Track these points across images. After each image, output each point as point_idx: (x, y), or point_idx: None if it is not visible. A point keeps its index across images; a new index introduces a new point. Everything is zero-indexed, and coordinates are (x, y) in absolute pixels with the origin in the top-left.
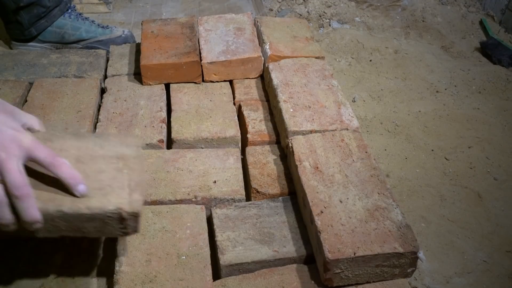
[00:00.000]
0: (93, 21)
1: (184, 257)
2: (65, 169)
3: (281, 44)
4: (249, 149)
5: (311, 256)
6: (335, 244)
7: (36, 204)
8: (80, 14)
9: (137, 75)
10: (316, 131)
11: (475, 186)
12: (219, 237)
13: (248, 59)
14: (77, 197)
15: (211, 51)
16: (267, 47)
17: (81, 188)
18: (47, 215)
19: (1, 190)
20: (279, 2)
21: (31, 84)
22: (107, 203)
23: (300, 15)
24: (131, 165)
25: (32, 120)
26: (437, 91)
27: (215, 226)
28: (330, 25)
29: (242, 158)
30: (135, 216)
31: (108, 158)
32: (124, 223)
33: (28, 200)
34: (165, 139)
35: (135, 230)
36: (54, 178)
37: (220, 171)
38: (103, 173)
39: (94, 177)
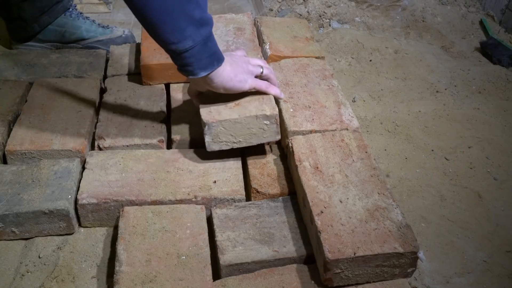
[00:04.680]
0: (93, 21)
1: (184, 257)
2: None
3: (281, 44)
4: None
5: (311, 256)
6: (335, 244)
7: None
8: (80, 13)
9: (137, 75)
10: (316, 131)
11: (475, 186)
12: (219, 237)
13: None
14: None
15: None
16: (267, 47)
17: (282, 95)
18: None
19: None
20: (279, 2)
21: (31, 84)
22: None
23: (300, 15)
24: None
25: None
26: (437, 91)
27: (215, 226)
28: (330, 25)
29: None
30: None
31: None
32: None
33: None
34: (165, 139)
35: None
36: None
37: (220, 171)
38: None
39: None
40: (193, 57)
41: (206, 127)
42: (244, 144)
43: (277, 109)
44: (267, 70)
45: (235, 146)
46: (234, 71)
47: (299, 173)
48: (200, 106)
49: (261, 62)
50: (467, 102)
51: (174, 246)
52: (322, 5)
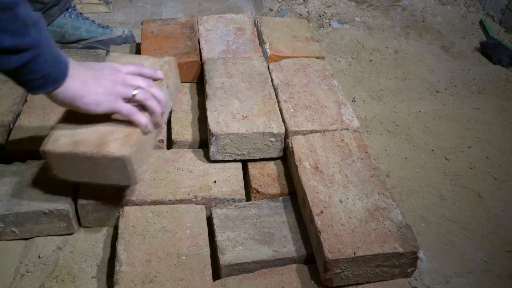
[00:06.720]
0: (93, 21)
1: (184, 257)
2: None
3: (281, 44)
4: None
5: (311, 256)
6: (335, 244)
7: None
8: (80, 13)
9: None
10: (316, 131)
11: (475, 186)
12: (219, 237)
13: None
14: None
15: (212, 51)
16: (267, 47)
17: (149, 128)
18: None
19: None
20: (279, 2)
21: None
22: None
23: (300, 15)
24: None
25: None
26: (437, 91)
27: (215, 226)
28: (330, 25)
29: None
30: None
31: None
32: None
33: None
34: (165, 139)
35: None
36: None
37: (220, 171)
38: None
39: None
40: (22, 76)
41: (214, 138)
42: (247, 157)
43: (283, 128)
44: (142, 93)
45: (238, 158)
46: (84, 89)
47: (299, 173)
48: (208, 110)
49: (139, 82)
50: (467, 102)
51: (174, 246)
52: (322, 5)
